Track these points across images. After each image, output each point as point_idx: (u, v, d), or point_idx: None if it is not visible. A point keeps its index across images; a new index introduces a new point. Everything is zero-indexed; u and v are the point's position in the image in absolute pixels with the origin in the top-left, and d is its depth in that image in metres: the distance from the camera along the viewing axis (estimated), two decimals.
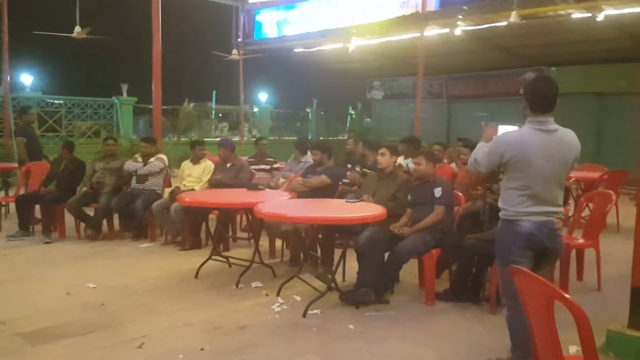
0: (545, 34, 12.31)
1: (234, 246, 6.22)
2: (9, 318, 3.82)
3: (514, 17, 8.28)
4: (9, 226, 6.79)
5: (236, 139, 16.70)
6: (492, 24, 11.32)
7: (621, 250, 5.70)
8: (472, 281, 4.26)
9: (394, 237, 4.28)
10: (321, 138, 19.17)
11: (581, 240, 4.74)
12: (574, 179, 7.39)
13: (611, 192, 4.80)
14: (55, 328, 3.66)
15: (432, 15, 11.37)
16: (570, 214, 5.37)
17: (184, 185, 6.30)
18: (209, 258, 5.08)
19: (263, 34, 16.37)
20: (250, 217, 5.80)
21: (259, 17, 16.50)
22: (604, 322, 3.29)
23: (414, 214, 4.39)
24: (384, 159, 4.66)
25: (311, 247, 4.99)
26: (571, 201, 6.63)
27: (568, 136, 2.83)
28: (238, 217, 6.70)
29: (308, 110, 21.37)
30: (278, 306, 4.15)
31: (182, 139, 15.26)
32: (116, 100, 14.02)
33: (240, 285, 4.65)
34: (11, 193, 7.65)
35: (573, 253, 4.69)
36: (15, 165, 8.34)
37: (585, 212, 5.85)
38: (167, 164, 6.72)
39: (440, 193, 4.23)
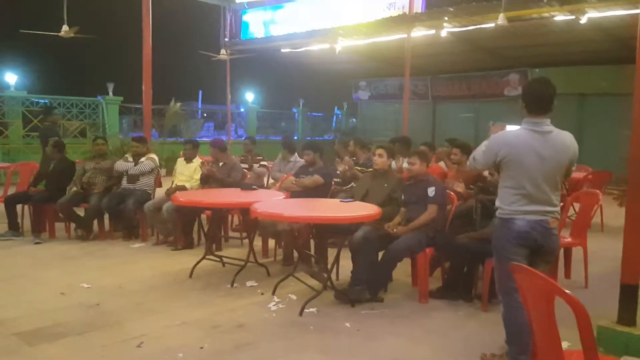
0: (529, 36, 12.52)
1: (226, 246, 6.24)
2: (4, 318, 3.81)
3: (501, 19, 8.42)
4: None
5: (222, 138, 16.66)
6: (478, 26, 11.48)
7: (606, 249, 5.87)
8: (465, 279, 4.34)
9: (387, 236, 4.34)
10: (308, 138, 19.22)
11: (569, 239, 4.86)
12: None
13: (598, 192, 4.93)
14: (53, 328, 3.66)
15: (419, 16, 11.49)
16: None
17: (176, 183, 6.32)
18: (203, 257, 5.10)
19: (250, 34, 16.36)
20: (244, 217, 5.86)
21: (245, 17, 16.49)
22: (593, 318, 3.38)
23: (407, 213, 4.47)
24: (381, 160, 4.72)
25: (305, 246, 5.05)
26: None
27: (563, 138, 2.90)
28: (229, 216, 6.71)
29: (294, 110, 21.40)
30: (274, 305, 4.20)
31: (167, 139, 15.19)
32: (102, 100, 13.91)
33: (235, 285, 4.68)
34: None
35: (561, 251, 4.80)
36: (2, 165, 8.26)
37: (570, 212, 5.98)
38: (158, 164, 6.71)
39: (433, 192, 4.31)
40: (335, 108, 23.30)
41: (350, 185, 6.24)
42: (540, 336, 2.13)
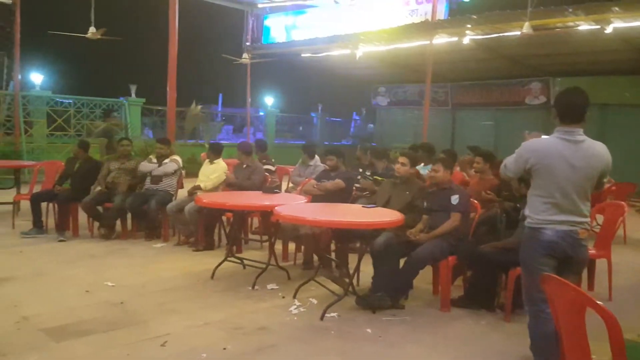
0: (552, 44, 12.44)
1: (245, 248, 6.28)
2: (31, 314, 3.88)
3: (526, 28, 8.39)
4: (19, 223, 6.84)
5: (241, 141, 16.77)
6: (501, 34, 11.44)
7: (629, 261, 5.80)
8: (487, 289, 4.31)
9: (409, 243, 4.34)
10: (326, 143, 19.26)
11: (593, 251, 4.80)
12: None
13: (623, 203, 4.87)
14: (78, 325, 3.72)
15: (442, 23, 11.49)
16: None
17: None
18: (225, 259, 5.14)
19: (271, 39, 16.50)
20: (266, 219, 5.90)
21: (267, 22, 16.64)
22: None
23: (430, 220, 4.46)
24: (404, 169, 4.72)
25: (326, 250, 5.06)
26: None
27: (595, 148, 2.87)
28: (249, 219, 6.76)
29: (313, 114, 21.47)
30: (295, 308, 4.21)
31: (187, 142, 15.34)
32: (125, 101, 14.10)
33: (256, 287, 4.71)
34: (23, 191, 7.70)
35: None
36: (29, 163, 8.41)
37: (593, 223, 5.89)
38: (181, 165, 6.78)
39: (457, 200, 4.30)
40: (354, 113, 23.34)
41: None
42: (570, 347, 2.11)
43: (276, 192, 5.62)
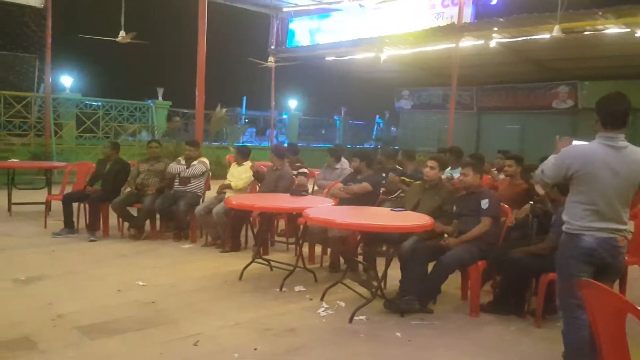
0: (581, 48, 12.28)
1: (271, 250, 6.32)
2: (66, 312, 3.96)
3: (556, 31, 8.29)
4: (51, 223, 6.98)
5: (264, 144, 16.89)
6: (528, 37, 11.32)
7: None
8: (518, 294, 4.27)
9: (437, 247, 4.32)
10: (348, 146, 19.27)
11: (626, 257, 4.70)
12: None
13: None
14: (111, 323, 3.79)
15: (468, 26, 11.42)
16: None
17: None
18: (252, 261, 5.19)
19: (295, 42, 16.60)
20: (292, 221, 5.93)
21: (292, 26, 16.75)
22: None
23: (459, 225, 4.43)
24: (433, 172, 4.71)
25: (352, 253, 5.06)
26: None
27: (637, 154, 2.82)
28: (275, 221, 6.80)
29: (336, 118, 21.49)
30: (323, 311, 4.23)
31: (212, 144, 15.50)
32: (152, 104, 14.32)
33: (284, 289, 4.74)
34: (54, 191, 7.87)
35: None
36: (60, 164, 8.60)
37: None
38: (209, 167, 6.86)
39: (487, 204, 4.26)
40: (377, 116, 23.30)
41: (397, 194, 6.23)
42: (610, 354, 2.08)
43: (304, 195, 5.65)
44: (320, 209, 4.62)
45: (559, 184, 3.19)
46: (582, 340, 2.77)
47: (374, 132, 23.49)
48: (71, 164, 8.29)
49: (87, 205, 6.59)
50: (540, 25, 10.35)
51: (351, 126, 22.20)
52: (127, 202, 6.52)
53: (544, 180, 2.98)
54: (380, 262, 4.70)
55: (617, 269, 2.89)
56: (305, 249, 5.67)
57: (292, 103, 21.31)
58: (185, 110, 15.77)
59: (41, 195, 7.64)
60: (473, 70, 14.68)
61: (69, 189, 7.26)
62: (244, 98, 23.90)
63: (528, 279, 4.25)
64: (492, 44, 12.01)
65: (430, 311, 4.24)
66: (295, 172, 7.10)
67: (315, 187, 7.75)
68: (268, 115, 17.92)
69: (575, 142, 3.03)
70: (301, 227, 5.51)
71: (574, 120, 15.41)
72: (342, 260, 5.43)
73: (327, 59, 16.30)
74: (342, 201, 5.69)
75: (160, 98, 14.56)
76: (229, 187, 6.43)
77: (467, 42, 12.04)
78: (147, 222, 6.60)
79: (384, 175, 6.51)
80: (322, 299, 4.46)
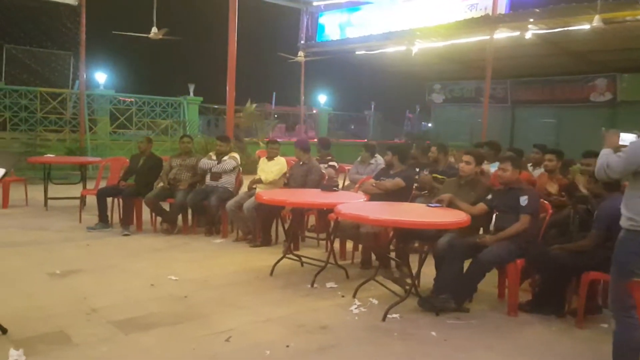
0: (620, 39, 11.84)
1: (302, 245, 6.27)
2: (100, 306, 3.99)
3: (597, 21, 7.99)
4: (86, 217, 7.09)
5: (293, 140, 16.86)
6: (566, 28, 10.97)
7: None
8: (558, 293, 4.11)
9: (474, 244, 4.20)
10: (371, 141, 19.08)
11: None
12: None
13: None
14: (145, 318, 3.80)
15: (503, 18, 11.14)
16: None
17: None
18: (284, 256, 5.15)
19: (325, 37, 16.51)
20: (323, 217, 5.87)
21: (321, 20, 16.66)
22: None
23: (497, 222, 4.29)
24: (468, 167, 4.57)
25: (385, 250, 4.97)
26: None
27: None
28: (305, 216, 6.74)
29: (366, 112, 21.34)
30: (356, 308, 4.15)
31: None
32: (184, 100, 14.45)
33: (315, 285, 4.69)
34: (88, 186, 7.99)
35: None
36: (95, 159, 8.74)
37: None
38: (240, 163, 6.86)
39: (526, 201, 4.11)
40: (407, 111, 23.04)
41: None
42: None
43: (335, 190, 5.58)
44: (353, 204, 4.54)
45: (602, 179, 3.02)
46: (635, 341, 2.67)
47: (405, 127, 23.25)
48: (105, 159, 8.42)
49: (120, 200, 6.67)
50: (579, 16, 10.01)
51: (381, 121, 22.00)
52: (160, 196, 6.57)
53: (610, 175, 2.82)
54: (413, 259, 4.60)
55: None
56: (336, 245, 5.61)
57: (322, 98, 21.26)
58: (216, 106, 15.87)
59: (76, 190, 7.77)
60: (507, 62, 14.33)
61: (103, 184, 7.35)
62: (274, 93, 23.92)
63: (568, 277, 4.08)
64: (528, 35, 11.68)
65: (466, 310, 4.12)
66: (325, 165, 7.06)
67: (347, 182, 7.69)
68: (298, 111, 17.89)
69: (622, 135, 2.87)
70: (332, 222, 5.45)
71: (613, 114, 14.92)
72: (374, 256, 5.35)
73: (357, 53, 16.16)
74: (374, 197, 5.59)
75: (191, 94, 14.68)
76: (259, 182, 6.41)
77: (502, 34, 11.74)
78: (180, 216, 6.64)
79: (417, 170, 6.39)
80: (354, 296, 4.39)
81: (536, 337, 3.74)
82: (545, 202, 4.50)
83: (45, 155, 9.20)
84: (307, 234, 6.61)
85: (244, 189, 6.78)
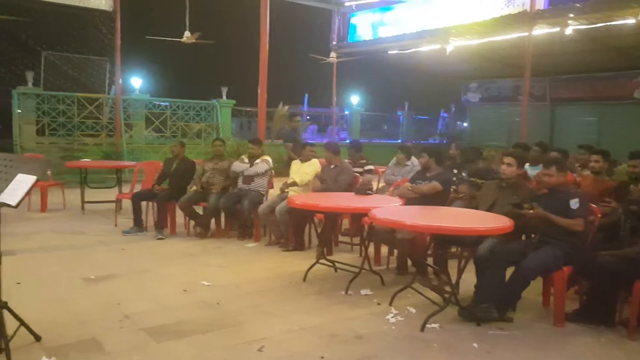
0: None
1: (335, 250, 6.14)
2: (132, 312, 3.96)
3: None
4: (121, 221, 7.14)
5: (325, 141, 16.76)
6: (608, 23, 10.53)
7: None
8: (607, 302, 3.87)
9: (517, 251, 4.00)
10: (413, 142, 18.80)
11: None
12: None
13: None
14: (177, 325, 3.74)
15: (542, 13, 10.77)
16: None
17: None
18: (317, 262, 5.04)
19: (357, 37, 16.34)
20: (356, 221, 5.73)
21: (353, 20, 16.51)
22: None
23: (543, 227, 4.06)
24: (510, 170, 4.37)
25: (422, 256, 4.80)
26: None
27: None
28: (339, 220, 6.62)
29: (399, 113, 21.06)
30: (392, 317, 4.00)
31: (275, 142, 15.54)
32: (217, 103, 14.52)
33: (349, 292, 4.56)
34: (124, 190, 8.07)
35: None
36: (130, 163, 8.82)
37: None
38: (272, 166, 6.79)
39: (577, 204, 3.88)
40: (442, 111, 22.65)
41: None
42: None
43: (369, 194, 5.43)
44: (388, 209, 4.39)
45: None
46: None
47: (439, 127, 22.84)
48: (140, 163, 8.48)
49: (154, 204, 6.68)
50: (623, 10, 9.59)
51: (415, 121, 21.68)
52: (193, 200, 6.56)
53: None
54: (452, 264, 4.41)
55: None
56: (371, 250, 5.46)
57: (354, 99, 21.05)
58: (249, 109, 15.91)
59: (112, 193, 7.85)
60: (546, 59, 13.86)
61: (138, 188, 7.40)
62: (306, 95, 23.87)
63: (619, 285, 3.83)
64: (568, 31, 11.27)
65: (509, 320, 3.92)
66: (360, 170, 6.93)
67: (381, 184, 7.55)
68: (330, 112, 17.79)
69: None
70: (366, 226, 5.31)
71: None
72: (410, 262, 5.19)
73: (389, 52, 15.94)
74: (410, 200, 5.42)
75: (224, 97, 14.74)
76: (294, 184, 6.32)
77: (541, 30, 11.35)
78: (212, 220, 6.61)
79: (454, 171, 6.18)
80: (390, 304, 4.25)
81: (585, 349, 3.52)
82: (594, 205, 4.25)
83: (82, 160, 9.35)
84: (340, 238, 6.49)
85: (275, 191, 6.70)
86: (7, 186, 2.99)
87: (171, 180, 6.85)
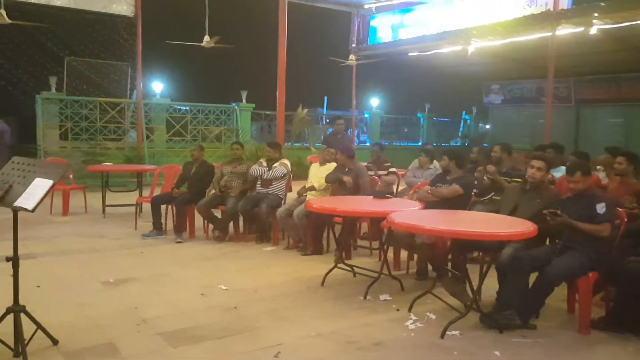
0: None
1: (354, 254, 6.08)
2: (149, 316, 3.95)
3: None
4: (141, 225, 7.18)
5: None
6: (635, 22, 10.26)
7: None
8: (635, 309, 3.73)
9: (541, 256, 3.88)
10: (434, 144, 18.59)
11: None
12: None
13: None
14: (194, 329, 3.72)
15: (565, 13, 10.55)
16: None
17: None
18: (335, 266, 4.98)
19: (377, 39, 16.23)
20: (376, 225, 5.66)
21: (373, 22, 16.40)
22: None
23: (567, 233, 3.94)
24: (540, 174, 4.26)
25: (442, 261, 4.71)
26: None
27: None
28: (358, 224, 6.55)
29: (419, 115, 20.88)
30: (412, 323, 3.92)
31: (294, 145, 15.56)
32: (236, 107, 14.57)
33: (368, 297, 4.49)
34: (144, 193, 8.12)
35: None
36: (150, 167, 8.87)
37: None
38: (290, 169, 6.76)
39: (604, 209, 3.75)
40: (463, 113, 22.37)
41: (489, 196, 5.78)
42: None
43: (387, 197, 5.36)
44: (407, 213, 4.31)
45: None
46: None
47: (461, 129, 22.57)
48: (160, 167, 8.53)
49: (174, 207, 6.70)
50: None
51: (436, 123, 21.46)
52: (211, 204, 6.56)
53: None
54: (474, 270, 4.31)
55: None
56: (390, 254, 5.38)
57: (374, 101, 20.92)
58: (268, 112, 15.93)
59: (133, 197, 7.90)
60: (570, 60, 13.57)
61: (158, 191, 7.44)
62: (325, 98, 23.81)
63: None
64: (593, 31, 11.01)
65: (532, 327, 3.80)
66: (385, 172, 6.87)
67: (402, 187, 7.47)
68: (349, 115, 17.70)
69: None
70: (385, 231, 5.23)
71: None
72: (430, 266, 5.09)
73: (410, 54, 15.78)
74: (429, 204, 5.33)
75: (244, 100, 14.79)
76: (312, 189, 6.27)
77: (564, 30, 11.11)
78: (231, 224, 6.61)
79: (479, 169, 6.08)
80: (409, 310, 4.16)
81: (611, 358, 3.40)
82: (620, 209, 4.11)
83: (103, 164, 9.46)
84: (359, 242, 6.43)
85: (294, 195, 6.66)
86: (24, 190, 3.01)
87: (190, 183, 6.87)
